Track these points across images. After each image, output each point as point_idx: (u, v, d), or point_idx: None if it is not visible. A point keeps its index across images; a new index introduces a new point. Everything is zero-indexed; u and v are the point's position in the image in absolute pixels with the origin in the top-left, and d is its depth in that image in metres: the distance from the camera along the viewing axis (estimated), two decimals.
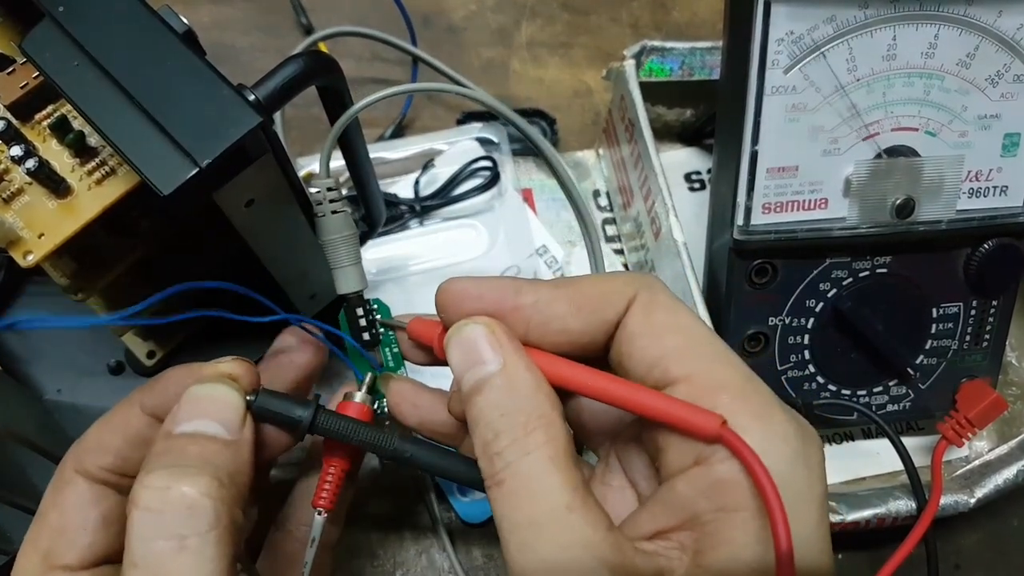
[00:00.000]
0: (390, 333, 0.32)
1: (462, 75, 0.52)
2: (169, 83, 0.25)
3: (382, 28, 0.51)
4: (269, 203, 0.29)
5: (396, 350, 0.32)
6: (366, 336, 0.31)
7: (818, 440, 0.24)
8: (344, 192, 0.49)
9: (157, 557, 0.21)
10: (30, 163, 0.28)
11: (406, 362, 0.32)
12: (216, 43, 0.55)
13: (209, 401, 0.26)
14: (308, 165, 0.50)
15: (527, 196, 0.53)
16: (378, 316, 0.32)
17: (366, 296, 0.32)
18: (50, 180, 0.29)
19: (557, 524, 0.22)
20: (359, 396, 0.30)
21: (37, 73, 0.29)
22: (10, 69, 0.30)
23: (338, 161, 0.49)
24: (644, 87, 0.46)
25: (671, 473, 0.24)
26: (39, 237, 0.29)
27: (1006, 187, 0.40)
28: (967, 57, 0.38)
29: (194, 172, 0.24)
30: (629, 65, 0.46)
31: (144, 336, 0.41)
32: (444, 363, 0.27)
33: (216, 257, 0.38)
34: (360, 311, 0.31)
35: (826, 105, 0.37)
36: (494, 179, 0.50)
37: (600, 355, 0.26)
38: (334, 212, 0.30)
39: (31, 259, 0.29)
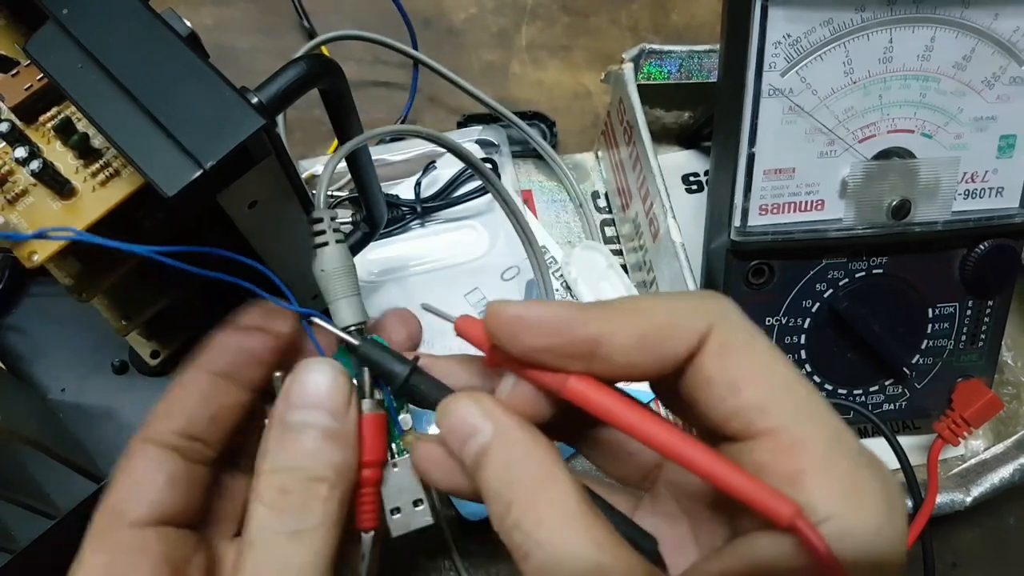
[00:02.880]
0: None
1: (462, 78, 0.52)
2: (173, 86, 0.25)
3: (383, 31, 0.51)
4: (272, 205, 0.29)
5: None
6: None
7: (902, 500, 0.23)
8: (346, 193, 0.50)
9: (273, 544, 0.24)
10: (34, 164, 0.29)
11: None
12: (217, 45, 0.56)
13: (317, 386, 0.26)
14: (311, 167, 0.51)
15: (527, 197, 0.53)
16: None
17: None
18: (54, 181, 0.29)
19: (587, 565, 0.21)
20: (366, 405, 0.28)
21: (41, 75, 0.29)
22: (14, 71, 0.30)
23: (340, 164, 0.49)
24: (643, 90, 0.46)
25: (749, 528, 0.23)
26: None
27: (1002, 188, 0.41)
28: (963, 59, 0.38)
29: (198, 174, 0.24)
30: (628, 68, 0.47)
31: (148, 336, 0.41)
32: (492, 368, 0.26)
33: (220, 258, 0.39)
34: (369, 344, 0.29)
35: (823, 107, 0.38)
36: None
37: (672, 383, 0.24)
38: (338, 242, 0.28)
39: (36, 259, 0.29)
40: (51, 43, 0.25)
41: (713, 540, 0.26)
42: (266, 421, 0.27)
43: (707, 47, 0.48)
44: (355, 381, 0.28)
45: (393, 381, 0.27)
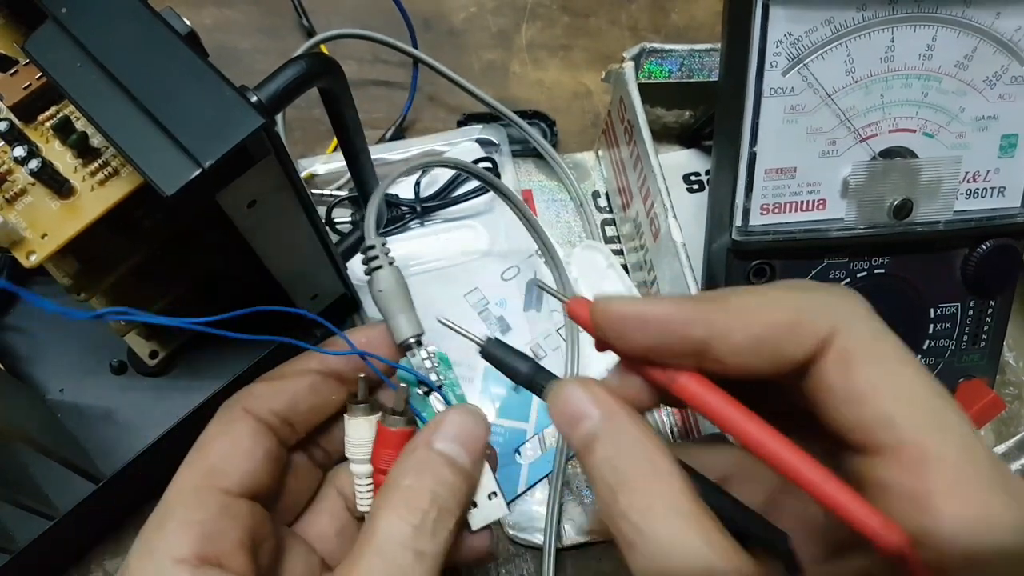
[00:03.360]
0: (451, 376, 0.33)
1: (462, 77, 0.52)
2: (172, 85, 0.25)
3: (383, 31, 0.51)
4: (271, 204, 0.29)
5: (460, 393, 0.33)
6: (432, 376, 0.31)
7: None
8: (345, 193, 0.50)
9: (400, 557, 0.25)
10: (33, 164, 0.29)
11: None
12: (218, 45, 0.55)
13: (468, 429, 0.28)
14: (310, 166, 0.51)
15: (527, 197, 0.53)
16: (437, 362, 0.32)
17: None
18: (53, 181, 0.29)
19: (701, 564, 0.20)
20: (393, 421, 0.30)
21: (40, 74, 0.29)
22: (13, 70, 0.30)
23: (339, 163, 0.49)
24: (643, 89, 0.46)
25: (854, 542, 0.22)
26: (42, 237, 0.29)
27: (1003, 188, 0.41)
28: (965, 59, 0.38)
29: (197, 173, 0.24)
30: (628, 67, 0.47)
31: (147, 336, 0.41)
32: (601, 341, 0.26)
33: (219, 257, 0.39)
34: (424, 353, 0.31)
35: (824, 107, 0.37)
36: None
37: (790, 382, 0.23)
38: (391, 263, 0.31)
39: (34, 259, 0.29)
40: (50, 42, 0.25)
41: (812, 549, 0.25)
42: (345, 417, 0.30)
43: (708, 46, 0.48)
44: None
45: (517, 376, 0.28)
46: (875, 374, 0.21)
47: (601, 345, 0.25)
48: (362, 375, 0.30)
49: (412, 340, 0.31)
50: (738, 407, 0.23)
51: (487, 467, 0.29)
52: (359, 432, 0.30)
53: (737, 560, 0.20)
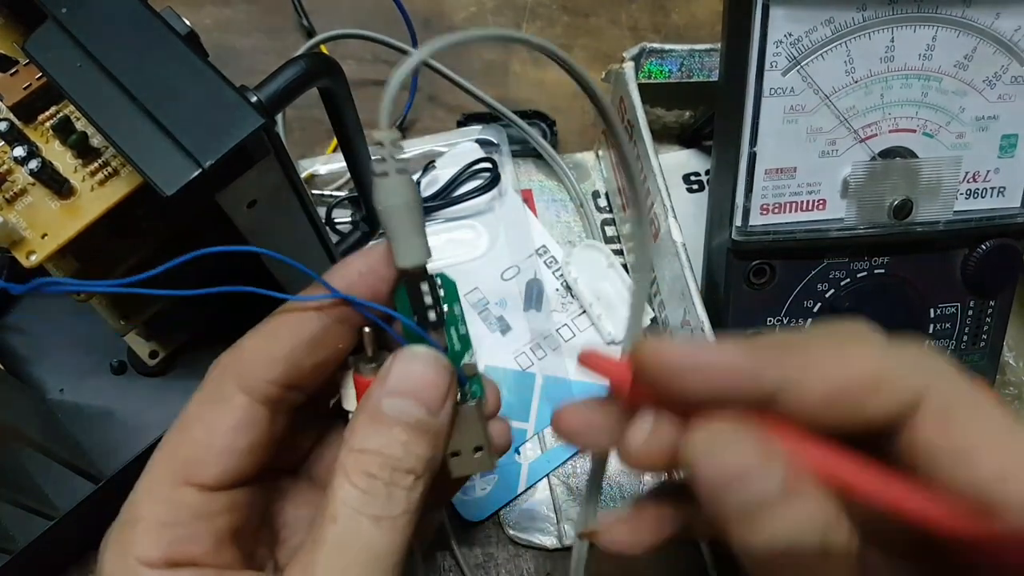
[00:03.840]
0: (456, 311, 0.27)
1: (462, 77, 0.52)
2: (172, 84, 0.25)
3: (383, 30, 0.51)
4: (271, 204, 0.29)
5: (464, 331, 0.27)
6: (432, 316, 0.26)
7: None
8: (345, 193, 0.50)
9: (356, 524, 0.23)
10: (33, 164, 0.29)
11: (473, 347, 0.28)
12: (218, 45, 0.55)
13: (418, 377, 0.25)
14: (310, 166, 0.51)
15: (527, 197, 0.53)
16: (442, 292, 0.27)
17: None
18: (53, 181, 0.29)
19: None
20: (365, 369, 0.27)
21: (40, 74, 0.29)
22: (13, 70, 0.30)
23: (339, 163, 0.49)
24: (643, 89, 0.46)
25: None
26: (42, 237, 0.29)
27: (1003, 188, 0.41)
28: (965, 59, 0.38)
29: (197, 173, 0.24)
30: (628, 67, 0.47)
31: (147, 336, 0.41)
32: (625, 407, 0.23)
33: (220, 258, 0.39)
34: (425, 287, 0.26)
35: (824, 107, 0.37)
36: (494, 180, 0.50)
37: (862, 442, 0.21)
38: (399, 171, 0.24)
39: (34, 259, 0.29)
40: (50, 42, 0.25)
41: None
42: (347, 374, 0.27)
43: (708, 46, 0.48)
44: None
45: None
46: (982, 431, 0.20)
47: (635, 400, 0.23)
48: (366, 329, 0.26)
49: (415, 269, 0.26)
50: (851, 461, 0.20)
51: (476, 415, 0.26)
52: None
53: None
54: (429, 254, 0.26)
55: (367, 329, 0.26)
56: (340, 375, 0.27)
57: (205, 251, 0.22)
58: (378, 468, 0.23)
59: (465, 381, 0.27)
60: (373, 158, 0.25)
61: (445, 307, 0.27)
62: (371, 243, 0.27)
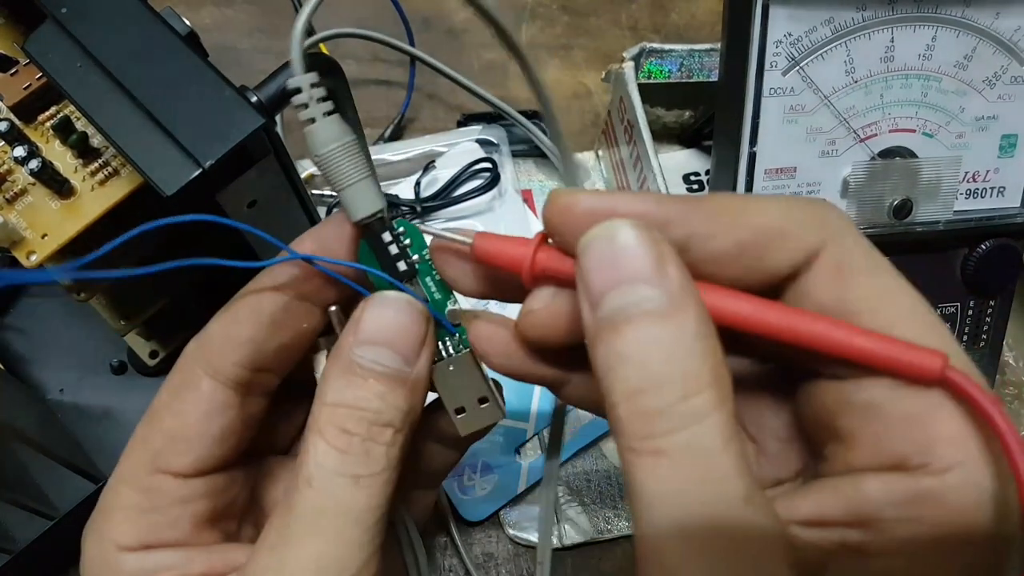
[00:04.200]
0: (428, 257, 0.25)
1: (462, 76, 0.52)
2: (172, 85, 0.25)
3: (383, 30, 0.51)
4: (271, 204, 0.29)
5: (439, 278, 0.25)
6: (402, 266, 0.24)
7: None
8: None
9: (332, 486, 0.22)
10: (33, 164, 0.29)
11: (455, 293, 0.26)
12: (217, 45, 0.55)
13: (391, 323, 0.23)
14: (310, 167, 0.51)
15: (527, 197, 0.53)
16: (407, 241, 0.25)
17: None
18: (53, 181, 0.29)
19: (733, 519, 0.17)
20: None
21: (40, 74, 0.29)
22: (13, 70, 0.30)
23: None
24: (643, 89, 0.46)
25: (855, 466, 0.20)
26: (42, 238, 0.29)
27: (1003, 188, 0.41)
28: (964, 59, 0.38)
29: (197, 173, 0.24)
30: (628, 67, 0.47)
31: (147, 336, 0.41)
32: (521, 298, 0.23)
33: (217, 257, 0.39)
34: (387, 236, 0.24)
35: (824, 107, 0.37)
36: (494, 180, 0.50)
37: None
38: (326, 114, 0.23)
39: (34, 259, 0.29)
40: (50, 42, 0.25)
41: (777, 469, 0.23)
42: (319, 356, 0.26)
43: (708, 46, 0.48)
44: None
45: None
46: (870, 288, 0.20)
47: (534, 273, 0.22)
48: (332, 308, 0.25)
49: (372, 219, 0.23)
50: (729, 290, 0.20)
51: (473, 363, 0.25)
52: None
53: (774, 516, 0.18)
54: (383, 201, 0.24)
55: (333, 308, 0.25)
56: (313, 358, 0.26)
57: (169, 220, 0.21)
58: (354, 423, 0.22)
59: (453, 329, 0.25)
60: (295, 105, 0.23)
61: (415, 256, 0.25)
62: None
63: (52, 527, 0.36)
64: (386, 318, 0.23)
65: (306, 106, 0.22)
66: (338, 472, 0.22)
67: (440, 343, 0.25)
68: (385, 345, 0.23)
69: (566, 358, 0.24)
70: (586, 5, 0.61)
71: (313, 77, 0.22)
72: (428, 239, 0.25)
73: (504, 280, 0.24)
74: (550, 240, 0.22)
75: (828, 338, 0.19)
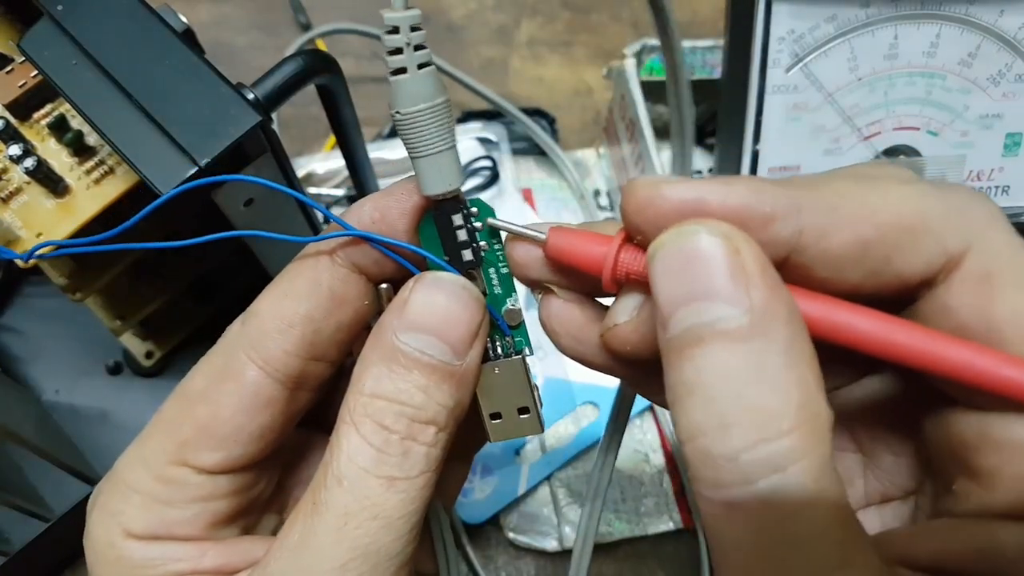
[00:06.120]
0: (496, 247, 0.22)
1: (462, 73, 0.52)
2: (168, 82, 0.25)
3: (380, 26, 0.51)
4: (268, 202, 0.29)
5: (505, 271, 0.23)
6: (467, 255, 0.22)
7: None
8: (343, 191, 0.49)
9: (364, 487, 0.19)
10: (28, 162, 0.28)
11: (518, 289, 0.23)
12: (214, 42, 0.55)
13: (442, 310, 0.20)
14: (307, 164, 0.50)
15: (527, 195, 0.53)
16: (478, 224, 0.22)
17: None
18: (48, 179, 0.29)
19: None
20: None
21: (35, 72, 0.29)
22: (8, 68, 0.30)
23: (336, 161, 0.49)
24: (645, 86, 0.46)
25: (991, 509, 0.17)
26: (37, 236, 0.29)
27: (1008, 187, 0.40)
28: (969, 57, 0.37)
29: (193, 171, 0.24)
30: (630, 64, 0.46)
31: (143, 336, 0.41)
32: (607, 295, 0.20)
33: (215, 256, 0.38)
34: (458, 219, 0.21)
35: (827, 104, 0.37)
36: (494, 178, 0.50)
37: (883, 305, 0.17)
38: (420, 66, 0.19)
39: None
40: (45, 39, 0.25)
41: (887, 485, 0.21)
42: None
43: (710, 43, 0.48)
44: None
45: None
46: (1019, 304, 0.17)
47: (615, 276, 0.19)
48: (383, 285, 0.22)
49: (446, 196, 0.21)
50: (840, 302, 0.17)
51: (522, 371, 0.22)
52: None
53: (873, 558, 0.16)
54: (463, 178, 0.21)
55: (384, 286, 0.22)
56: (356, 348, 0.23)
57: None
58: (393, 419, 0.20)
59: (508, 331, 0.23)
60: (387, 49, 0.19)
61: (483, 243, 0.22)
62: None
63: (47, 529, 0.36)
64: (437, 303, 0.20)
65: (400, 51, 0.19)
66: (371, 472, 0.19)
67: (489, 341, 0.23)
68: (432, 333, 0.20)
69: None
70: (587, 1, 0.61)
71: (416, 17, 0.19)
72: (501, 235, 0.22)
73: (583, 274, 0.21)
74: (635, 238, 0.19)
75: (971, 368, 0.16)
